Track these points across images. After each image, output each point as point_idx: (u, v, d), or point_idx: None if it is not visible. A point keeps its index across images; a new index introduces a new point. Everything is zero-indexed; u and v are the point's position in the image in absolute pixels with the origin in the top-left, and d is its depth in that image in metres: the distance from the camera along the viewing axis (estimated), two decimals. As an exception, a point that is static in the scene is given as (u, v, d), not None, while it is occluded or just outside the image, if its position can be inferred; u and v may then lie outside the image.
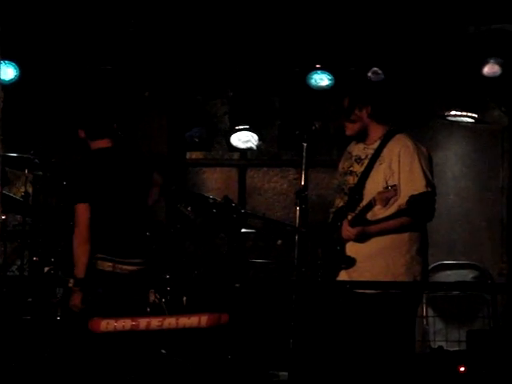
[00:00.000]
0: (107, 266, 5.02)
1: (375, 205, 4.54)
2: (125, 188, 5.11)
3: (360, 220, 4.57)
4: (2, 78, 6.21)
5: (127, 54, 6.70)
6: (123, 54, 6.70)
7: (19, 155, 6.12)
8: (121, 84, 6.90)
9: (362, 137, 4.74)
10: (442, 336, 6.66)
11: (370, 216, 4.58)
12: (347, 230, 4.61)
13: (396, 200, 4.51)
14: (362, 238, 4.61)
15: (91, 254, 5.01)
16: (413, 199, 4.43)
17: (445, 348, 6.41)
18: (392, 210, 4.52)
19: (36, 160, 6.12)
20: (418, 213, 4.50)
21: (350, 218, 4.65)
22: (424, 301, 6.51)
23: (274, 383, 5.98)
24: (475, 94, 6.75)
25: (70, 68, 6.74)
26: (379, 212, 4.55)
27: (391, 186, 4.50)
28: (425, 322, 6.68)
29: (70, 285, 4.91)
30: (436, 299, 6.92)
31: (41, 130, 7.11)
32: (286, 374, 5.36)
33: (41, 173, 6.24)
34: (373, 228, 4.60)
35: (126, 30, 6.44)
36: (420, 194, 4.46)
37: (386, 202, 4.51)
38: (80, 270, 4.86)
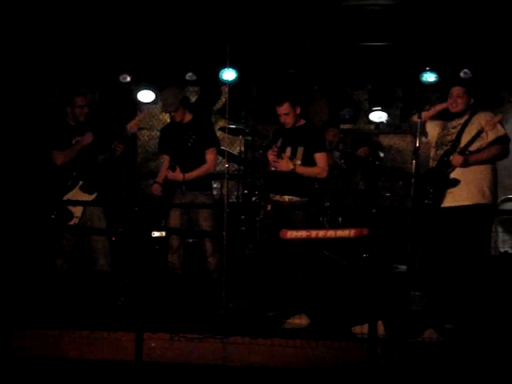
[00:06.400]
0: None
1: (483, 131, 5.30)
2: None
3: (464, 152, 5.42)
4: (227, 78, 7.78)
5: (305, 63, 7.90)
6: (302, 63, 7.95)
7: (237, 126, 7.71)
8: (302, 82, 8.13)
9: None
10: (507, 244, 7.73)
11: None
12: (458, 157, 5.41)
13: (485, 142, 5.41)
14: (465, 165, 5.40)
15: None
16: (497, 138, 5.39)
17: (509, 252, 7.51)
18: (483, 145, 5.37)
19: (246, 129, 7.68)
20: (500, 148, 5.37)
21: (458, 150, 5.43)
22: (495, 221, 6.78)
23: (394, 273, 6.88)
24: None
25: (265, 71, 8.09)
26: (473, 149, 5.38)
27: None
28: (496, 235, 7.08)
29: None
30: (504, 220, 7.88)
31: (250, 109, 8.63)
32: (404, 267, 6.31)
33: (249, 138, 8.00)
34: (471, 157, 5.42)
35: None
36: (501, 136, 5.36)
37: (493, 127, 5.31)
38: None
